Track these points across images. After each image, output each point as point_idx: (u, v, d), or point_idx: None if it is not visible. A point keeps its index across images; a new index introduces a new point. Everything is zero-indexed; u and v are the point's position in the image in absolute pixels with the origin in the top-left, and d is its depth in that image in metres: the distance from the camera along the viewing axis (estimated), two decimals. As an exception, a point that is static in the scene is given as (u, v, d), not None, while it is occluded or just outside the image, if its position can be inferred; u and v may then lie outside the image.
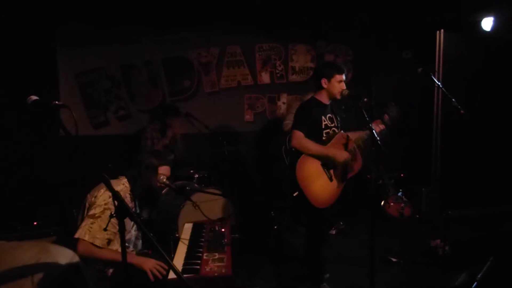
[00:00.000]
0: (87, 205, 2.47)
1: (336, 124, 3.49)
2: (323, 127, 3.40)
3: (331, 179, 3.38)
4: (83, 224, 2.34)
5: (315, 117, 3.37)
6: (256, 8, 5.45)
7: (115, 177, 2.63)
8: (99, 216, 2.34)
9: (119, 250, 2.38)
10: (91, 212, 2.35)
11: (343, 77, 3.36)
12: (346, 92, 3.34)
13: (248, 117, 6.06)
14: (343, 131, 3.51)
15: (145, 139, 4.99)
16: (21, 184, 4.70)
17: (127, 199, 2.55)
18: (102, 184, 2.42)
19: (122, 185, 2.56)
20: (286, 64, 6.11)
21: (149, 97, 5.75)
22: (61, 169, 4.62)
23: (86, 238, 2.32)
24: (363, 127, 3.32)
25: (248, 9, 5.44)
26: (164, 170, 2.72)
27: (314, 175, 3.31)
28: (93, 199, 2.42)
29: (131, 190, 2.60)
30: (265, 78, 6.07)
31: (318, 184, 3.31)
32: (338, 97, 3.38)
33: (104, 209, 2.34)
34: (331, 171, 3.39)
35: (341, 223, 5.13)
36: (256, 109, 6.08)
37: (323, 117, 3.40)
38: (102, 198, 2.38)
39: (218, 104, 5.90)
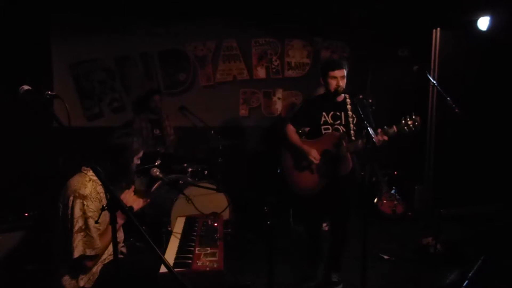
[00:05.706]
0: (63, 211, 2.33)
1: (342, 122, 3.44)
2: (321, 122, 3.43)
3: (312, 172, 3.48)
4: (76, 241, 2.24)
5: (312, 112, 3.48)
6: (253, 2, 5.42)
7: (78, 170, 2.45)
8: (87, 227, 2.27)
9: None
10: (76, 227, 2.25)
11: (336, 73, 3.34)
12: (341, 88, 3.34)
13: (243, 111, 6.04)
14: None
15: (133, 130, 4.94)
16: (13, 175, 4.65)
17: (102, 192, 2.41)
18: (68, 189, 2.32)
19: (90, 181, 2.37)
20: (282, 59, 6.08)
21: (144, 90, 5.71)
22: (53, 161, 4.59)
23: (88, 252, 2.26)
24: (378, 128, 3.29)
25: (245, 3, 5.41)
26: (140, 154, 2.61)
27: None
28: (69, 211, 2.28)
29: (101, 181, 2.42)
30: (261, 73, 6.04)
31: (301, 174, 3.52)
32: (332, 93, 3.38)
33: (85, 218, 2.26)
34: (313, 166, 3.46)
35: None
36: (252, 104, 6.06)
37: (324, 113, 3.44)
38: (76, 209, 2.27)
39: (213, 98, 5.87)
